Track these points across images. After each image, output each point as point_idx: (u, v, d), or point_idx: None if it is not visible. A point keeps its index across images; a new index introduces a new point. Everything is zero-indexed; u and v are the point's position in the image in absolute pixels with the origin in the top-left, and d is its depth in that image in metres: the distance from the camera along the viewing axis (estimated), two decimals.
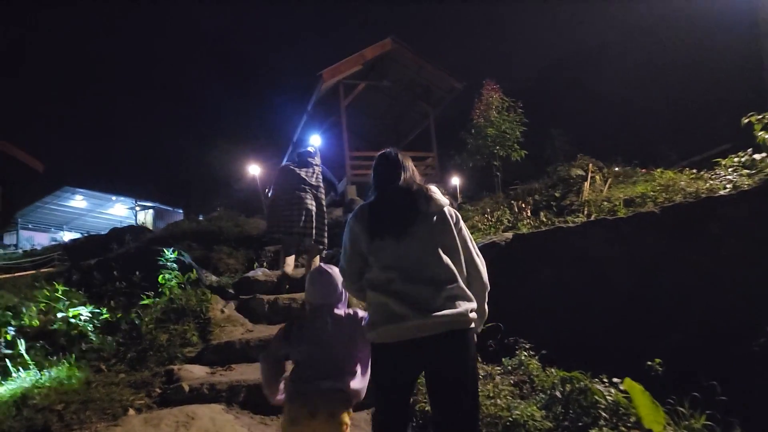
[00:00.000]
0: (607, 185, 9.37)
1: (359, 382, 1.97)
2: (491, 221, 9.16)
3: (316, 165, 5.92)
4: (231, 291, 6.16)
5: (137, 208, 32.08)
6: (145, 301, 5.07)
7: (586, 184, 9.35)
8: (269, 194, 6.18)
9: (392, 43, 12.99)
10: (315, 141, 13.49)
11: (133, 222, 31.34)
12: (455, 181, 13.50)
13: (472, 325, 1.83)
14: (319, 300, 2.14)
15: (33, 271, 17.00)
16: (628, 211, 7.09)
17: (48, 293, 5.11)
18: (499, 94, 10.27)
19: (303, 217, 5.47)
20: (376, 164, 2.15)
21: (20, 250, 26.12)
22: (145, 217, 31.83)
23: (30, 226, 32.88)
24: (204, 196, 26.52)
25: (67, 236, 31.89)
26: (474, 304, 1.84)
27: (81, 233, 30.45)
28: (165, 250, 5.96)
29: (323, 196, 5.83)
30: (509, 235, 5.01)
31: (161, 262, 5.78)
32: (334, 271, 2.17)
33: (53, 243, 28.13)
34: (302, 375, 1.95)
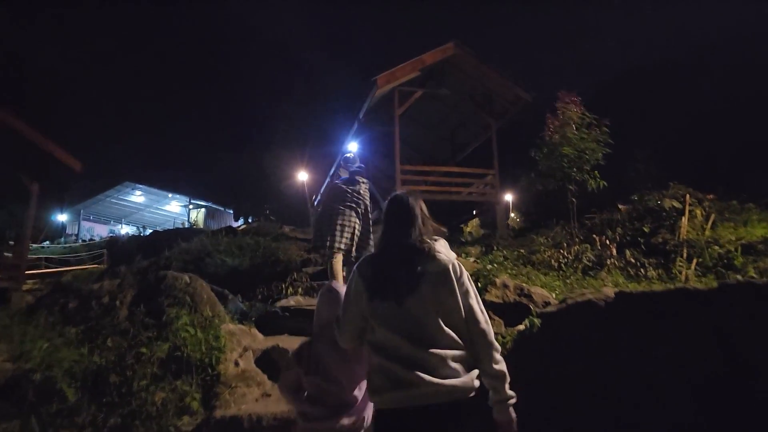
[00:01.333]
0: (710, 222, 7.85)
1: (366, 411, 1.97)
2: (568, 257, 7.87)
3: (363, 182, 5.99)
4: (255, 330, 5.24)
5: (190, 207, 33.17)
6: (142, 349, 4.17)
7: (684, 220, 7.84)
8: (316, 206, 6.28)
9: (455, 47, 11.80)
10: (352, 147, 12.64)
11: (185, 219, 32.52)
12: (508, 197, 12.18)
13: (473, 393, 1.73)
14: (326, 320, 2.08)
15: (88, 266, 17.17)
16: (747, 260, 5.67)
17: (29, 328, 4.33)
18: (579, 108, 8.86)
19: (347, 234, 5.57)
20: (386, 208, 2.00)
21: (79, 242, 27.15)
22: (197, 216, 32.95)
23: (91, 218, 34.68)
24: (254, 199, 26.57)
25: (124, 229, 33.41)
26: (476, 372, 1.76)
27: (137, 227, 31.88)
28: (179, 278, 5.10)
29: (369, 214, 5.91)
30: (610, 292, 3.80)
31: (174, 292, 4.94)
32: (336, 291, 2.16)
33: (111, 235, 29.39)
34: (314, 412, 1.93)
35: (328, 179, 9.85)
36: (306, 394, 2.01)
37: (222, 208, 33.45)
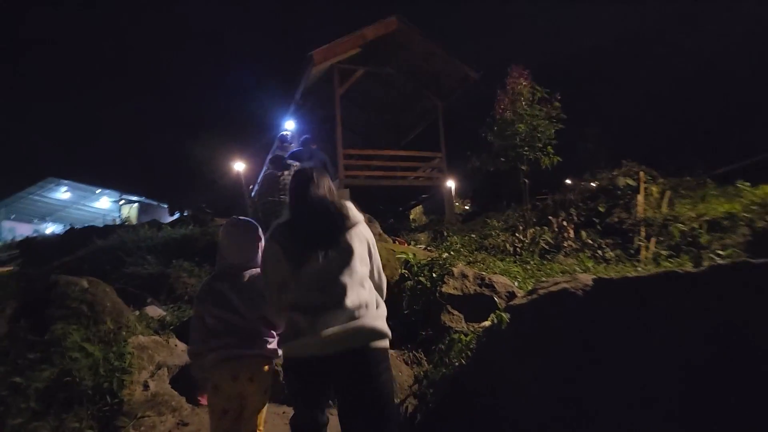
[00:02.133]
0: (665, 199, 7.65)
1: (275, 344, 2.03)
2: (523, 241, 7.44)
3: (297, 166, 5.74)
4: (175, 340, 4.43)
5: (122, 202, 31.50)
6: (16, 378, 3.27)
7: (640, 197, 7.54)
8: (253, 196, 5.64)
9: (398, 22, 11.03)
10: (288, 126, 11.79)
11: (117, 215, 31.04)
12: (450, 183, 11.72)
13: (386, 338, 1.80)
14: (237, 259, 2.08)
15: None
16: (714, 237, 5.41)
17: None
18: (529, 82, 8.42)
19: None
20: (291, 183, 2.04)
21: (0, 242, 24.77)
22: (130, 211, 31.32)
23: (12, 217, 32.32)
24: (189, 192, 25.09)
25: (50, 229, 31.15)
26: (384, 316, 1.86)
27: (64, 225, 30.07)
28: (73, 283, 4.19)
29: None
30: (587, 279, 3.28)
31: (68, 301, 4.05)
32: (254, 225, 2.16)
33: (35, 235, 27.25)
34: (221, 342, 1.95)
35: (265, 166, 9.03)
36: (209, 328, 2.00)
37: (156, 203, 31.90)
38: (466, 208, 15.90)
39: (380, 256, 2.06)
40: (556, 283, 3.47)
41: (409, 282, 4.87)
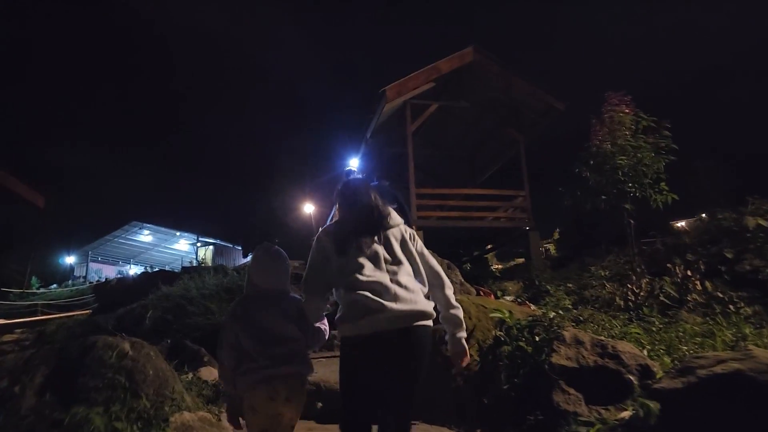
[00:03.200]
0: None
1: (308, 362, 2.09)
2: (637, 293, 6.16)
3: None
4: None
5: (198, 244, 32.53)
6: None
7: None
8: None
9: (474, 53, 10.30)
10: (353, 164, 11.19)
11: (194, 257, 32.34)
12: (534, 237, 10.44)
13: (430, 322, 1.95)
14: (268, 284, 2.14)
15: (74, 313, 15.85)
16: None
17: None
18: (631, 109, 7.28)
19: None
20: (341, 191, 2.24)
21: (86, 284, 26.17)
22: (206, 253, 32.58)
23: (99, 259, 34.49)
24: (262, 234, 25.45)
25: (133, 270, 32.88)
26: (433, 304, 2.03)
27: (146, 267, 31.65)
28: (112, 347, 3.60)
29: None
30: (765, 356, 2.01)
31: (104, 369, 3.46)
32: (283, 252, 2.26)
33: (112, 277, 28.97)
34: (256, 364, 1.97)
35: (334, 208, 8.48)
36: (244, 349, 2.02)
37: (231, 245, 32.99)
38: (548, 250, 14.49)
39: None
40: (721, 362, 2.40)
41: (506, 347, 3.95)
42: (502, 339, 4.05)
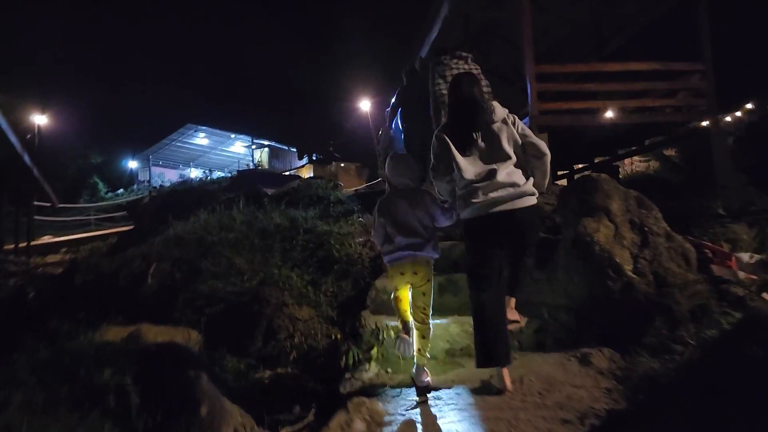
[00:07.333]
0: None
1: (435, 250, 2.57)
2: None
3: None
4: None
5: (253, 147, 31.24)
6: None
7: None
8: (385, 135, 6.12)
9: None
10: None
11: (250, 159, 31.34)
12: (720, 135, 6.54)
13: (536, 199, 2.37)
14: (402, 183, 2.65)
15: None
16: None
17: None
18: None
19: None
20: (450, 84, 2.69)
21: (151, 187, 25.27)
22: (261, 156, 31.36)
23: (161, 163, 34.31)
24: (317, 135, 22.95)
25: (194, 173, 32.23)
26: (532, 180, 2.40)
27: (205, 170, 31.02)
28: None
29: None
30: None
31: None
32: (410, 156, 2.94)
33: (180, 180, 28.24)
34: (392, 247, 2.53)
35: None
36: (388, 235, 2.57)
37: (286, 147, 31.14)
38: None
39: None
40: None
41: None
42: None
